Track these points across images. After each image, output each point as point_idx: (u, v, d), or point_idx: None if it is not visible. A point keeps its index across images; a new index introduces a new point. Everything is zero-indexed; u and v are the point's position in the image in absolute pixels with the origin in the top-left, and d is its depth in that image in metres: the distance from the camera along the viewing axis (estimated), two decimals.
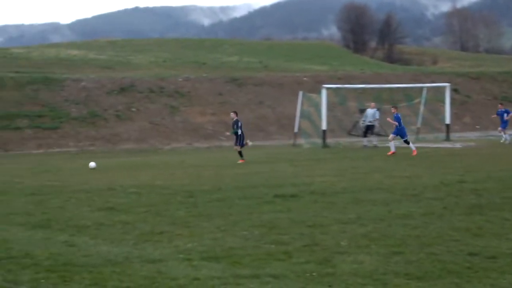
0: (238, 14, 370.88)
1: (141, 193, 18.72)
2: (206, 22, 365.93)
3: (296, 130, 44.13)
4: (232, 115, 31.95)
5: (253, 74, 65.44)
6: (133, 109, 53.60)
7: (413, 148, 31.82)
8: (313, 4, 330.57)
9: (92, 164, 29.16)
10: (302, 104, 44.57)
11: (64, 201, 17.26)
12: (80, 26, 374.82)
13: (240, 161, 30.55)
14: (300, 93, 45.03)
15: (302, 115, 44.47)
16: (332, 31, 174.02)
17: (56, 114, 50.78)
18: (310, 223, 12.89)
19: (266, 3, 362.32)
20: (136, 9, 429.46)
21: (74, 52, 79.95)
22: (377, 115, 39.97)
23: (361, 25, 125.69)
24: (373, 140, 40.26)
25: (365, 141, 40.21)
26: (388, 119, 34.05)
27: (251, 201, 16.26)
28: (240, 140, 31.52)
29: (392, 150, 32.12)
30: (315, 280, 8.71)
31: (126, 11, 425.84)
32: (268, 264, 9.55)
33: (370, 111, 40.16)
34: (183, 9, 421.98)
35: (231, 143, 50.43)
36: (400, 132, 32.63)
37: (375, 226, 12.38)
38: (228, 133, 48.61)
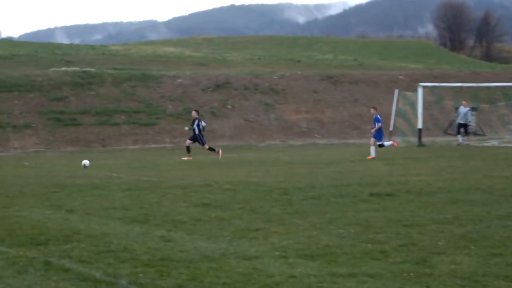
0: (333, 11, 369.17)
1: (236, 189, 18.82)
2: (301, 19, 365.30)
3: (391, 128, 43.69)
4: (193, 113, 32.78)
5: (348, 72, 65.08)
6: (228, 106, 54.04)
7: (373, 154, 30.40)
8: (409, 2, 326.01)
9: (85, 162, 29.69)
10: (398, 102, 44.06)
11: (160, 197, 17.50)
12: (176, 23, 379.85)
13: (186, 157, 31.86)
14: (396, 91, 44.52)
15: (398, 114, 43.96)
16: (428, 29, 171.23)
17: (152, 110, 51.65)
18: (407, 222, 12.70)
19: (362, 0, 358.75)
20: (232, 6, 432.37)
21: (171, 49, 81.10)
22: (469, 116, 39.32)
23: (458, 23, 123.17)
24: (466, 139, 39.59)
25: (460, 139, 39.58)
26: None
27: (346, 199, 16.14)
28: (200, 139, 32.56)
29: (372, 155, 30.39)
30: (412, 280, 8.56)
31: (222, 9, 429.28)
32: (364, 263, 9.44)
33: (462, 110, 39.58)
34: (278, 7, 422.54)
35: (325, 141, 50.49)
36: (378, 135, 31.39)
37: (473, 227, 12.10)
38: (316, 135, 48.48)
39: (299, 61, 74.28)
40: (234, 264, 9.45)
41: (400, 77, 63.07)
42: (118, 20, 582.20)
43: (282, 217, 13.75)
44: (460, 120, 39.52)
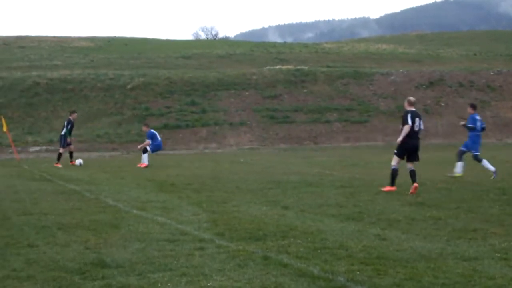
0: None
1: (452, 188, 18.45)
2: None
3: None
4: (71, 116, 31.15)
5: None
6: (442, 104, 52.97)
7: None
8: None
9: (80, 161, 29.93)
10: None
11: (374, 195, 17.46)
12: (388, 20, 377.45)
13: (56, 165, 30.02)
14: None
15: None
16: None
17: (364, 108, 51.60)
18: None
19: None
20: (446, 1, 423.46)
21: (383, 46, 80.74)
22: None
23: None
24: None
25: None
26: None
27: None
28: (62, 141, 30.64)
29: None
30: None
31: (435, 4, 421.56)
32: None
33: None
34: (495, 1, 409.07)
35: None
36: None
37: None
38: None
39: None
40: (452, 265, 9.26)
41: None
42: (330, 18, 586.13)
43: (501, 217, 13.32)
44: None
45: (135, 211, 14.83)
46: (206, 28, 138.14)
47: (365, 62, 66.33)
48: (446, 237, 11.30)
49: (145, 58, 65.68)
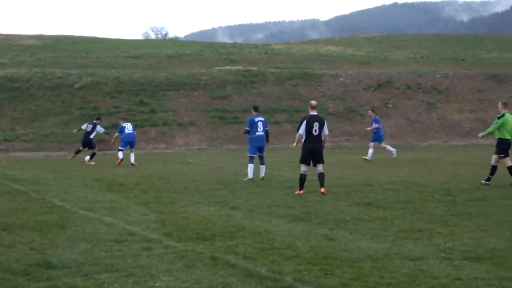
0: (499, 9, 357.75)
1: (398, 189, 18.65)
2: (465, 17, 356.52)
3: None
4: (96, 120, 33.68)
5: None
6: (390, 105, 53.50)
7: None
8: None
9: (87, 158, 31.45)
10: None
11: (322, 195, 17.56)
12: (337, 22, 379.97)
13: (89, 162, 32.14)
14: None
15: None
16: None
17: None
18: None
19: None
20: (394, 4, 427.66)
21: (333, 48, 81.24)
22: None
23: None
24: None
25: None
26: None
27: None
28: (92, 143, 33.06)
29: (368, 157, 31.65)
30: None
31: (384, 7, 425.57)
32: None
33: None
34: (441, 4, 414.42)
35: (489, 141, 49.00)
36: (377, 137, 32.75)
37: None
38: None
39: (463, 59, 72.58)
40: (398, 265, 9.37)
41: None
42: (280, 19, 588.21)
43: (445, 218, 13.52)
44: None
45: (82, 212, 14.72)
46: (156, 28, 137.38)
47: (314, 63, 66.68)
48: (392, 237, 11.43)
49: (94, 58, 65.10)
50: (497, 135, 20.36)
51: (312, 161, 18.37)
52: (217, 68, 58.66)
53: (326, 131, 18.33)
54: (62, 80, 51.32)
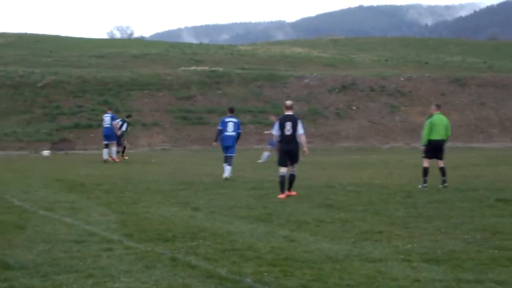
0: (463, 13, 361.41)
1: (360, 191, 18.74)
2: (429, 21, 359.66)
3: None
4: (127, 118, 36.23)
5: (476, 75, 63.60)
6: (353, 108, 53.79)
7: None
8: None
9: (45, 153, 32.11)
10: None
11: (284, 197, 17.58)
12: (303, 24, 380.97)
13: (123, 157, 34.40)
14: None
15: None
16: None
17: (278, 110, 51.72)
18: None
19: (494, 2, 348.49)
20: (360, 7, 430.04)
21: (298, 50, 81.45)
22: None
23: None
24: None
25: None
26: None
27: (472, 204, 15.81)
28: (119, 139, 34.25)
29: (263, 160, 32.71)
30: None
31: (349, 10, 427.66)
32: (491, 269, 9.21)
33: None
34: (405, 8, 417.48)
35: (450, 144, 49.43)
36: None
37: None
38: None
39: (426, 63, 73.22)
40: (357, 266, 9.41)
41: None
42: (246, 20, 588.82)
43: (406, 220, 13.59)
44: None
45: (41, 212, 14.59)
46: (121, 27, 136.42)
47: (280, 65, 66.82)
48: (352, 239, 11.47)
49: (57, 56, 64.56)
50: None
51: (290, 161, 18.17)
52: (182, 68, 58.53)
53: (300, 130, 18.00)
54: (24, 78, 50.86)
